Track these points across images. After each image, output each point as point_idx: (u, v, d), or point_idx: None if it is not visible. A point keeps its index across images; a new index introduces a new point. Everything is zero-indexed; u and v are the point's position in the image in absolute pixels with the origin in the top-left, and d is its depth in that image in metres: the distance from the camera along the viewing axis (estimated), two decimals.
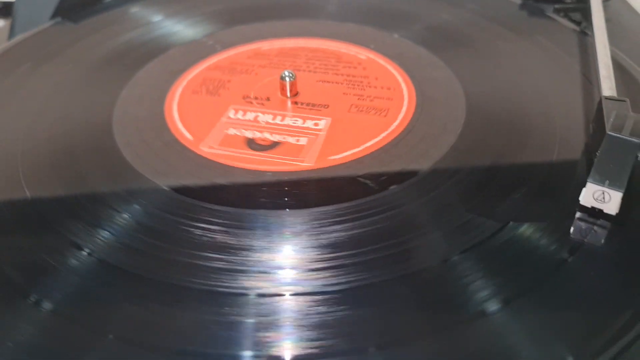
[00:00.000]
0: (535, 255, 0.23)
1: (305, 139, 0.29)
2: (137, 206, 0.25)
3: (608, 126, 0.25)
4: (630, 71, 0.33)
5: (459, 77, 0.33)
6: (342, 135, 0.29)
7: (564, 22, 0.39)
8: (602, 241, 0.23)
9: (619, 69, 0.33)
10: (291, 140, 0.29)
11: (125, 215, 0.25)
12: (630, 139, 0.24)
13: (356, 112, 0.31)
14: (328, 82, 0.34)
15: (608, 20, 0.38)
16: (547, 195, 0.25)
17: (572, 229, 0.24)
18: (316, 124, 0.30)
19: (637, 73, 0.33)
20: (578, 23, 0.39)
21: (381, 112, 0.31)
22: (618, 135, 0.24)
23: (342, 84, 0.33)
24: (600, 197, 0.23)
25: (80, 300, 0.22)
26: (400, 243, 0.23)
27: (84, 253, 0.23)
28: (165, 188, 0.26)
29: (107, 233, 0.24)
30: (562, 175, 0.26)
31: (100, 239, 0.24)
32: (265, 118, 0.31)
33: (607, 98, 0.27)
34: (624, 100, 0.26)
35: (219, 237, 0.24)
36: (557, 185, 0.26)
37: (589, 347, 0.19)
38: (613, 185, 0.23)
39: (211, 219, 0.25)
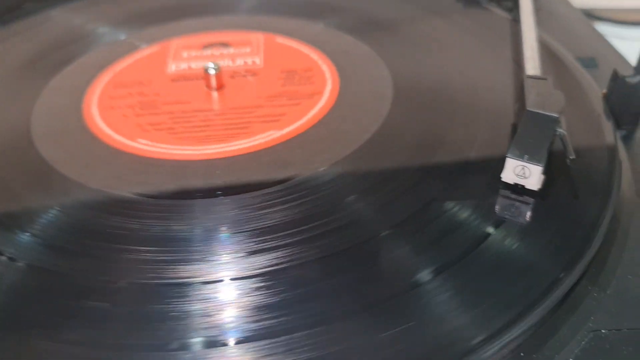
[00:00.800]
0: (462, 229, 0.23)
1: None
2: (61, 207, 0.24)
3: (528, 103, 0.24)
4: (560, 57, 0.33)
5: (386, 61, 0.33)
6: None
7: (497, 11, 0.39)
8: (525, 217, 0.23)
9: (551, 56, 0.33)
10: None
11: (52, 216, 0.24)
12: (549, 114, 0.24)
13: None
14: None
15: (540, 9, 0.38)
16: (475, 172, 0.25)
17: (495, 206, 0.23)
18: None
19: (566, 59, 0.33)
20: (510, 10, 0.39)
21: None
22: (537, 110, 0.24)
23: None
24: (521, 172, 0.23)
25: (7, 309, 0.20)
26: (331, 222, 0.23)
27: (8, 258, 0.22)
28: (92, 187, 0.25)
29: (31, 236, 0.23)
30: (490, 154, 0.26)
31: (26, 242, 0.23)
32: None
33: (529, 77, 0.26)
34: (545, 79, 0.26)
35: (149, 230, 0.23)
36: (485, 163, 0.25)
37: (513, 313, 0.19)
38: (532, 159, 0.22)
39: (141, 212, 0.24)
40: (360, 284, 0.21)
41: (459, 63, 0.33)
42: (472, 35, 0.36)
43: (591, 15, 0.49)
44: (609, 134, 0.27)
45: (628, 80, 0.28)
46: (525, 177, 0.23)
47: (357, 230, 0.23)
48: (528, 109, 0.24)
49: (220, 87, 0.31)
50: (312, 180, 0.25)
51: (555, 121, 0.23)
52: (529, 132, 0.23)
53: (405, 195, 0.24)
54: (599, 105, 0.29)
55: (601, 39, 0.37)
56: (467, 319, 0.19)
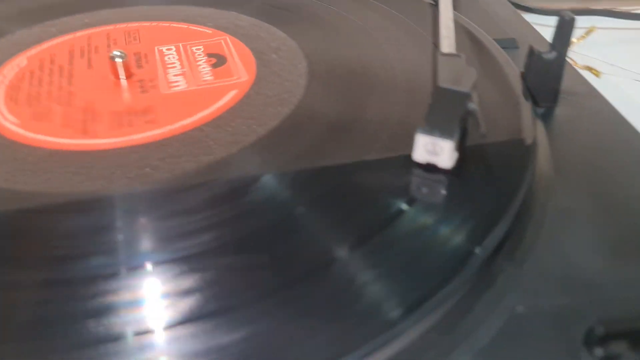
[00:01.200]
0: (373, 208, 0.22)
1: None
2: None
3: (439, 79, 0.24)
4: (479, 39, 0.33)
5: (302, 47, 0.32)
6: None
7: None
8: (437, 196, 0.22)
9: (470, 38, 0.33)
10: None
11: None
12: (460, 89, 0.23)
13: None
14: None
15: None
16: (389, 152, 0.24)
17: (408, 186, 0.22)
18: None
19: (485, 40, 0.33)
20: None
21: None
22: (448, 87, 0.23)
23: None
24: (432, 149, 0.22)
25: None
26: (244, 203, 0.22)
27: None
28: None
29: None
30: (406, 135, 0.25)
31: None
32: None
33: (442, 54, 0.26)
34: (459, 56, 0.26)
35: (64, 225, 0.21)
36: (400, 142, 0.25)
37: (427, 285, 0.19)
38: (443, 134, 0.22)
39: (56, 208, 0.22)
40: (270, 266, 0.20)
41: (378, 48, 0.32)
42: (391, 19, 0.35)
43: (516, 4, 0.49)
44: (526, 112, 0.27)
45: (544, 56, 0.28)
46: (437, 155, 0.22)
47: (268, 211, 0.21)
48: (438, 85, 0.23)
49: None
50: (222, 164, 0.24)
51: (466, 97, 0.23)
52: (440, 108, 0.23)
53: (318, 175, 0.23)
54: (517, 84, 0.29)
55: (522, 21, 0.37)
56: (374, 299, 0.18)
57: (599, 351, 0.18)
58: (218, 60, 0.31)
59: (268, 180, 0.23)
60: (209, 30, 0.34)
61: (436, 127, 0.22)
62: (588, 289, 0.20)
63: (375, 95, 0.28)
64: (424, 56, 0.31)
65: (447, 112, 0.22)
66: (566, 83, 0.29)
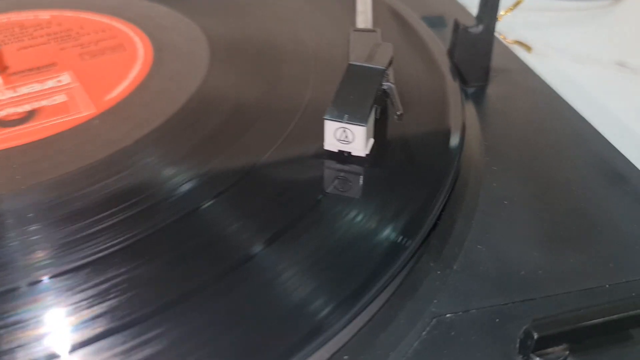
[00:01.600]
0: (293, 196, 0.19)
1: (63, 95, 0.25)
2: None
3: (351, 56, 0.21)
4: (404, 16, 0.30)
5: (202, 27, 0.29)
6: (99, 79, 0.26)
7: None
8: (352, 189, 0.19)
9: (395, 16, 0.30)
10: (46, 102, 0.24)
11: None
12: (374, 66, 0.20)
13: (90, 58, 0.27)
14: (31, 46, 0.29)
15: None
16: (300, 140, 0.21)
17: (321, 180, 0.19)
18: (59, 81, 0.26)
19: (410, 17, 0.30)
20: None
21: (118, 49, 0.28)
22: (360, 63, 0.20)
23: (49, 43, 0.29)
24: (343, 136, 0.19)
25: None
26: (146, 199, 0.19)
27: None
28: None
29: None
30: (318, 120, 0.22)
31: None
32: None
33: (356, 30, 0.23)
34: (374, 31, 0.23)
35: None
36: (311, 130, 0.22)
37: (328, 307, 0.16)
38: (353, 118, 0.19)
39: None
40: (180, 265, 0.17)
41: (293, 29, 0.29)
42: (310, 4, 0.32)
43: None
44: (454, 92, 0.24)
45: (471, 30, 0.25)
46: (349, 142, 0.19)
47: (177, 204, 0.19)
48: (350, 62, 0.20)
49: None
50: (120, 156, 0.21)
51: (380, 74, 0.20)
52: (352, 88, 0.20)
53: (227, 163, 0.20)
54: (444, 63, 0.26)
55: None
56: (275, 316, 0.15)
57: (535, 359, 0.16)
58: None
59: (167, 174, 0.20)
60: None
61: (345, 111, 0.19)
62: (522, 288, 0.18)
63: (284, 80, 0.25)
64: (341, 35, 0.28)
65: (358, 93, 0.19)
66: (496, 60, 0.27)
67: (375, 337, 0.16)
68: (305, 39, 0.27)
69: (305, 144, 0.21)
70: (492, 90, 0.27)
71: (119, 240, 0.17)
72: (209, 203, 0.19)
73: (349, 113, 0.19)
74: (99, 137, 0.22)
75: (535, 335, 0.15)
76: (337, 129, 0.19)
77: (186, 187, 0.19)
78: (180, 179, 0.20)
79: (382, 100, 0.20)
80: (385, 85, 0.20)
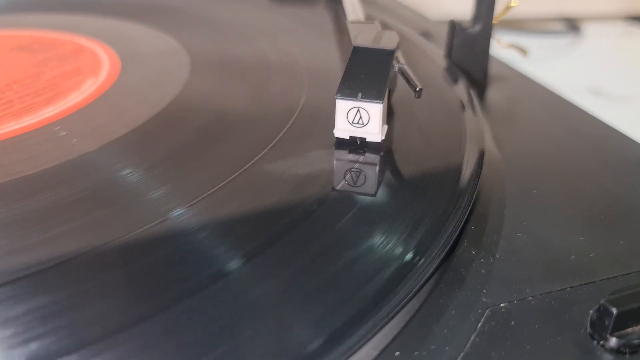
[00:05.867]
0: (289, 205, 0.16)
1: None
2: None
3: (354, 40, 0.19)
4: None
5: (183, 44, 0.27)
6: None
7: None
8: (369, 183, 0.17)
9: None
10: None
11: None
12: (383, 47, 0.18)
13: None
14: None
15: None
16: (298, 139, 0.19)
17: (333, 175, 0.17)
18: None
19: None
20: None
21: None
22: (366, 46, 0.18)
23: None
24: (357, 118, 0.17)
25: None
26: (112, 206, 0.16)
27: None
28: None
29: None
30: (317, 116, 0.20)
31: None
32: None
33: (352, 22, 0.21)
34: (373, 22, 0.21)
35: None
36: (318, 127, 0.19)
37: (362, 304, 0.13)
38: (368, 96, 0.17)
39: None
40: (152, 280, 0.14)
41: (273, 41, 0.28)
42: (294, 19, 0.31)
43: None
44: (462, 93, 0.23)
45: (469, 32, 0.24)
46: (363, 125, 0.17)
47: (143, 214, 0.16)
48: (354, 45, 0.18)
49: None
50: (82, 163, 0.18)
51: (391, 54, 0.18)
52: (360, 70, 0.18)
53: (207, 170, 0.17)
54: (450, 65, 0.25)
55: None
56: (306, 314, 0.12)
57: (613, 341, 0.13)
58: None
59: (136, 180, 0.17)
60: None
61: (358, 90, 0.17)
62: (577, 272, 0.15)
63: (272, 84, 0.23)
64: (331, 50, 0.26)
65: (369, 73, 0.17)
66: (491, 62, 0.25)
67: (427, 330, 0.13)
68: (292, 52, 0.26)
69: (304, 142, 0.19)
70: (492, 90, 0.25)
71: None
72: (180, 211, 0.16)
73: (363, 91, 0.17)
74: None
75: (615, 311, 0.13)
76: (350, 109, 0.17)
77: (156, 194, 0.17)
78: (151, 187, 0.17)
79: (393, 83, 0.18)
80: (398, 66, 0.18)
